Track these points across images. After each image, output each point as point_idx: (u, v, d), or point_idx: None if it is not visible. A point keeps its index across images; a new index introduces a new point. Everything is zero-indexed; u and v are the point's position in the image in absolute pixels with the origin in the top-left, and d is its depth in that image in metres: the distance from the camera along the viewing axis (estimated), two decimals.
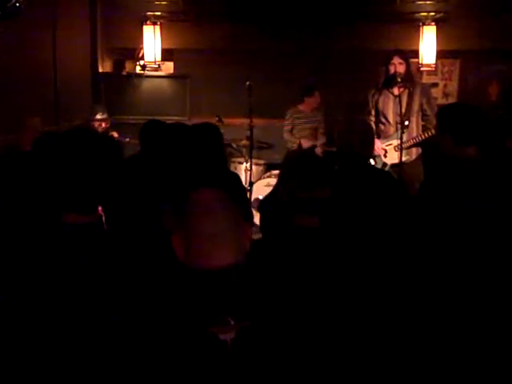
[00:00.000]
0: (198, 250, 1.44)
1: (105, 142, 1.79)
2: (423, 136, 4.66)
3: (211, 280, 1.40)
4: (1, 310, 1.58)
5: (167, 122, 3.82)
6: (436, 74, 7.53)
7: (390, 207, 2.93)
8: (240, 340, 1.32)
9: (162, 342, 1.37)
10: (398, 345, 1.98)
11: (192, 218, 1.44)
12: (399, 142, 4.54)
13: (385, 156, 4.82)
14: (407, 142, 4.67)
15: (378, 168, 4.46)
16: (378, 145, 4.79)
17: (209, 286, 1.40)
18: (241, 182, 3.43)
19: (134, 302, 1.57)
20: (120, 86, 7.41)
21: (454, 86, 7.60)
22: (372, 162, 4.79)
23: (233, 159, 6.49)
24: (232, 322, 1.33)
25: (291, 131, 6.66)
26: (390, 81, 4.69)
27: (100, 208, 1.86)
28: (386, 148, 4.81)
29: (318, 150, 6.45)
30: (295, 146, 6.43)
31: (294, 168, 2.20)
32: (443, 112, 2.89)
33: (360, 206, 2.83)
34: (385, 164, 4.80)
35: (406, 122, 4.63)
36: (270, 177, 6.18)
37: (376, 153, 4.77)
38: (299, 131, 6.62)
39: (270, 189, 5.51)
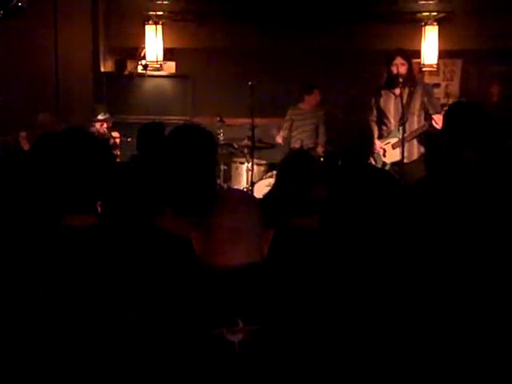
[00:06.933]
0: (216, 244, 1.42)
1: (94, 140, 1.80)
2: (423, 129, 4.66)
3: (225, 277, 1.38)
4: (5, 316, 1.58)
5: (169, 121, 3.81)
6: (438, 75, 7.51)
7: (389, 207, 2.93)
8: (248, 343, 1.31)
9: (165, 340, 1.36)
10: (402, 347, 1.97)
11: (216, 212, 1.43)
12: (398, 139, 4.57)
13: (384, 155, 4.83)
14: (407, 136, 4.67)
15: (378, 167, 4.47)
16: (378, 144, 4.82)
17: (222, 284, 1.38)
18: None
19: (139, 300, 1.57)
20: (122, 85, 7.40)
21: (455, 87, 7.58)
22: (372, 161, 4.82)
23: (234, 159, 6.49)
24: (241, 324, 1.31)
25: (289, 129, 6.63)
26: (392, 81, 4.69)
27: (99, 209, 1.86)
28: (385, 147, 4.82)
29: (320, 150, 6.45)
30: (297, 145, 6.42)
31: (289, 167, 2.19)
32: (446, 112, 2.89)
33: (359, 206, 2.83)
34: (384, 163, 4.81)
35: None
36: (271, 177, 6.17)
37: (376, 152, 4.80)
38: (300, 130, 6.61)
39: None
